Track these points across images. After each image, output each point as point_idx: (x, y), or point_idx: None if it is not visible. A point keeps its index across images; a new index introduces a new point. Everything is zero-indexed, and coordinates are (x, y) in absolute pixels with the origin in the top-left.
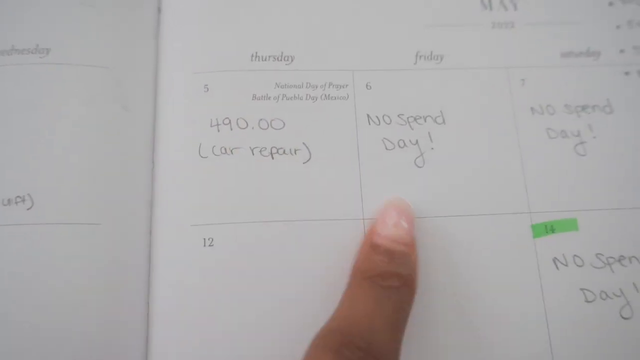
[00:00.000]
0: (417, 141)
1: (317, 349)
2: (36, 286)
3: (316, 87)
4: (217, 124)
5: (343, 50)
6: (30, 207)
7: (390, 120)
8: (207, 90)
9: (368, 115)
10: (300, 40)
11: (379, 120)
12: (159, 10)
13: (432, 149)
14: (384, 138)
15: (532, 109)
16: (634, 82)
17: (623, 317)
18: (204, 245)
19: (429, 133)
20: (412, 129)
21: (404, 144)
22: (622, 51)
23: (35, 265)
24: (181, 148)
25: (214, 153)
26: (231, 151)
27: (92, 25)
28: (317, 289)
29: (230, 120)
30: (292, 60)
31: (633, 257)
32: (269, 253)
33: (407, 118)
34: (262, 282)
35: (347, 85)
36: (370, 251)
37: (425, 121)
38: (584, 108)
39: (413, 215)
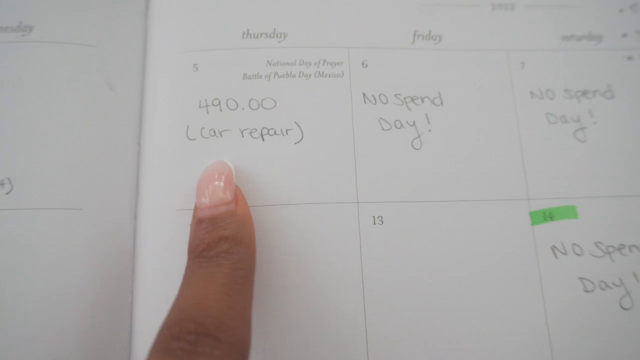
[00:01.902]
0: (414, 122)
1: (150, 354)
2: (17, 273)
3: (310, 64)
4: (206, 105)
5: (338, 27)
6: (10, 192)
7: (387, 100)
8: (197, 69)
9: (364, 94)
10: (294, 16)
11: (375, 100)
12: None
13: (430, 130)
14: (381, 118)
15: (531, 92)
16: (636, 67)
17: (623, 308)
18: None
19: (426, 114)
20: (410, 110)
21: (401, 124)
22: (624, 35)
23: (15, 251)
24: (168, 130)
25: (202, 135)
26: (220, 133)
27: (78, 2)
28: (311, 277)
29: (219, 101)
30: (284, 37)
31: (633, 245)
32: (260, 238)
33: (404, 98)
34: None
35: (342, 63)
36: (195, 228)
37: (422, 102)
38: (584, 93)
39: (228, 171)
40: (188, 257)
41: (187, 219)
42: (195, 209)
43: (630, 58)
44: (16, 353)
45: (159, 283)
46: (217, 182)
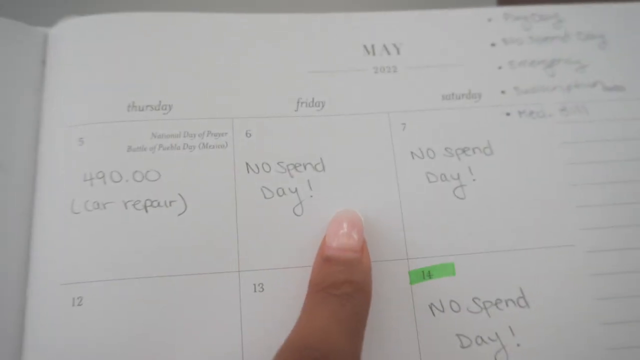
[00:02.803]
0: (296, 189)
1: None
2: None
3: (194, 135)
4: (91, 178)
5: (223, 98)
6: None
7: (270, 169)
8: (82, 143)
9: (247, 164)
10: (179, 87)
11: (258, 169)
12: (44, 62)
13: (311, 196)
14: (263, 187)
15: (412, 153)
16: (514, 123)
17: None
18: (73, 305)
19: (308, 181)
20: (292, 177)
21: (283, 192)
22: (503, 92)
23: None
24: (54, 204)
25: (86, 209)
26: (104, 206)
27: None
28: (194, 344)
29: (104, 174)
30: (170, 109)
31: (509, 299)
32: (141, 311)
33: (287, 166)
34: (135, 342)
35: (226, 134)
36: (322, 264)
37: (305, 169)
38: (464, 150)
39: (362, 225)
40: (310, 288)
41: (72, 293)
42: (323, 246)
43: (508, 114)
44: None
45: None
46: (352, 233)
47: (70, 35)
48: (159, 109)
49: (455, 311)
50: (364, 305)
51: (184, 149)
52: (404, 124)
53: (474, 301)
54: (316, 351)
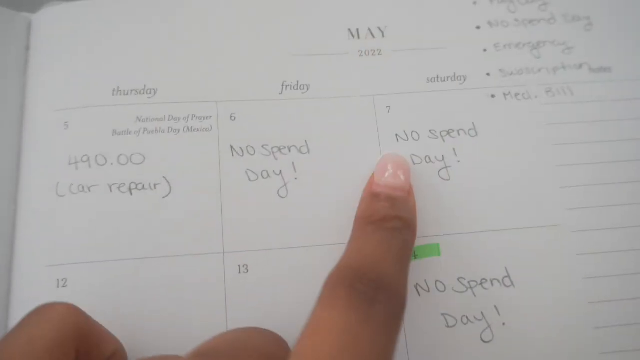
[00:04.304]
0: (280, 172)
1: (331, 286)
2: None
3: (179, 119)
4: (76, 162)
5: (207, 81)
6: None
7: (254, 151)
8: (67, 127)
9: (232, 147)
10: (164, 71)
11: (242, 152)
12: (28, 47)
13: (296, 179)
14: (248, 169)
15: (397, 135)
16: (499, 105)
17: (483, 341)
18: (57, 287)
19: (293, 163)
20: (277, 160)
21: (268, 174)
22: (488, 74)
23: None
24: (39, 188)
25: (71, 192)
26: (89, 189)
27: None
28: (179, 326)
29: (89, 157)
30: (154, 93)
31: (495, 279)
32: (125, 292)
33: (272, 148)
34: (119, 324)
35: (210, 117)
36: (371, 199)
37: (289, 151)
38: (449, 132)
39: (409, 167)
40: (359, 221)
41: (56, 275)
42: (371, 183)
43: (493, 96)
44: None
45: None
46: (399, 173)
47: (54, 21)
48: (143, 93)
49: (440, 291)
50: (411, 240)
51: (168, 132)
52: (389, 106)
53: (459, 281)
54: (372, 273)
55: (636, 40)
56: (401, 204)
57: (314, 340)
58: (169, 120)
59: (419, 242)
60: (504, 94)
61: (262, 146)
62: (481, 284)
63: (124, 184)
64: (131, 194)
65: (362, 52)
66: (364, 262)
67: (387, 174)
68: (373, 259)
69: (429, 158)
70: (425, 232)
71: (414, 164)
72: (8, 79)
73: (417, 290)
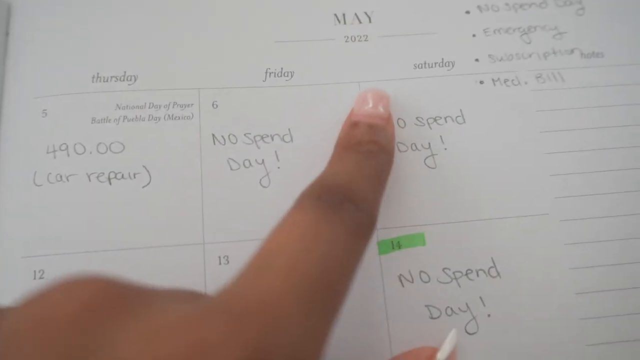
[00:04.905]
0: (263, 160)
1: (300, 198)
2: None
3: (159, 107)
4: (54, 150)
5: (189, 68)
6: None
7: (237, 140)
8: (46, 115)
9: (213, 135)
10: (145, 58)
11: (224, 140)
12: (7, 33)
13: (279, 168)
14: (229, 158)
15: None
16: (487, 91)
17: (468, 333)
18: (34, 278)
19: (275, 152)
20: (259, 148)
21: (250, 163)
22: (477, 60)
23: None
24: (17, 177)
25: (49, 181)
26: (67, 178)
27: None
28: None
29: (67, 146)
30: (135, 80)
31: (480, 269)
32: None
33: (254, 137)
34: None
35: (192, 105)
36: (348, 128)
37: (272, 139)
38: (435, 119)
39: (389, 98)
40: (336, 148)
41: (33, 266)
42: (351, 114)
43: (481, 82)
44: None
45: None
46: (376, 102)
47: (33, 7)
48: (124, 80)
49: (424, 282)
50: (387, 164)
51: (149, 120)
52: None
53: (444, 271)
54: (341, 187)
55: (630, 25)
56: (379, 130)
57: (277, 236)
58: (149, 108)
59: (403, 231)
60: (493, 80)
61: (245, 134)
62: (466, 274)
63: (103, 173)
64: (110, 183)
65: (348, 37)
66: (335, 178)
67: (366, 106)
68: (345, 176)
69: (415, 146)
70: (410, 221)
71: (400, 151)
72: None
73: (400, 281)
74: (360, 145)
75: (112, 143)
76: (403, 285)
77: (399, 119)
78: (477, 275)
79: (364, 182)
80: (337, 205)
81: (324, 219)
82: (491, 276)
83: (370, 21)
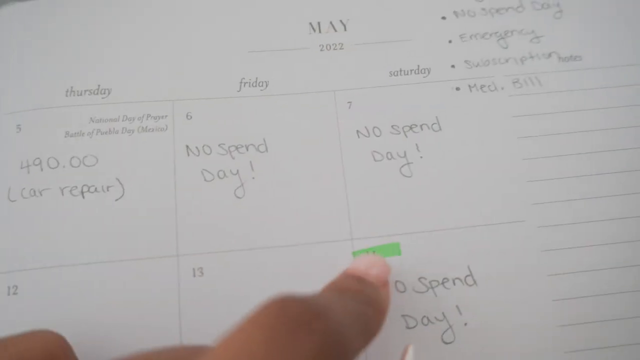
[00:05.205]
0: (237, 171)
1: (266, 300)
2: None
3: (133, 119)
4: (28, 165)
5: (163, 80)
6: None
7: (211, 151)
8: (20, 130)
9: (187, 147)
10: (118, 70)
11: (198, 151)
12: None
13: (254, 178)
14: (203, 169)
15: (358, 132)
16: (463, 98)
17: (445, 342)
18: (8, 294)
19: (250, 162)
20: (234, 159)
21: (224, 174)
22: (453, 66)
23: None
24: None
25: (22, 196)
26: (40, 193)
27: None
28: (130, 334)
29: (40, 160)
30: (108, 94)
31: (456, 278)
32: (77, 299)
33: (229, 147)
34: (71, 330)
35: (166, 116)
36: (343, 277)
37: (247, 150)
38: (411, 127)
39: (389, 272)
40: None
41: (7, 282)
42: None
43: (458, 89)
44: None
45: None
46: (379, 271)
47: (6, 21)
48: (97, 93)
49: (400, 291)
50: (374, 318)
51: (122, 133)
52: (350, 102)
53: (420, 281)
54: (314, 304)
55: (608, 27)
56: (371, 286)
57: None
58: (123, 120)
59: (379, 241)
60: (469, 86)
61: (219, 145)
62: (443, 283)
63: (76, 186)
64: (83, 197)
65: (323, 46)
66: (313, 299)
67: (365, 264)
68: (324, 302)
69: (391, 154)
70: (386, 231)
71: (375, 160)
72: None
73: None
74: (349, 290)
75: (85, 156)
76: None
77: (374, 127)
78: (454, 284)
79: (345, 316)
80: (303, 322)
81: (276, 343)
82: (467, 284)
83: (345, 29)
